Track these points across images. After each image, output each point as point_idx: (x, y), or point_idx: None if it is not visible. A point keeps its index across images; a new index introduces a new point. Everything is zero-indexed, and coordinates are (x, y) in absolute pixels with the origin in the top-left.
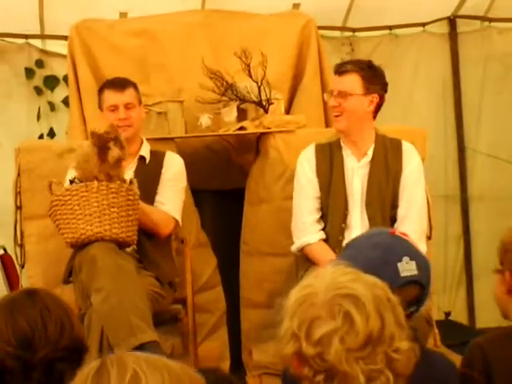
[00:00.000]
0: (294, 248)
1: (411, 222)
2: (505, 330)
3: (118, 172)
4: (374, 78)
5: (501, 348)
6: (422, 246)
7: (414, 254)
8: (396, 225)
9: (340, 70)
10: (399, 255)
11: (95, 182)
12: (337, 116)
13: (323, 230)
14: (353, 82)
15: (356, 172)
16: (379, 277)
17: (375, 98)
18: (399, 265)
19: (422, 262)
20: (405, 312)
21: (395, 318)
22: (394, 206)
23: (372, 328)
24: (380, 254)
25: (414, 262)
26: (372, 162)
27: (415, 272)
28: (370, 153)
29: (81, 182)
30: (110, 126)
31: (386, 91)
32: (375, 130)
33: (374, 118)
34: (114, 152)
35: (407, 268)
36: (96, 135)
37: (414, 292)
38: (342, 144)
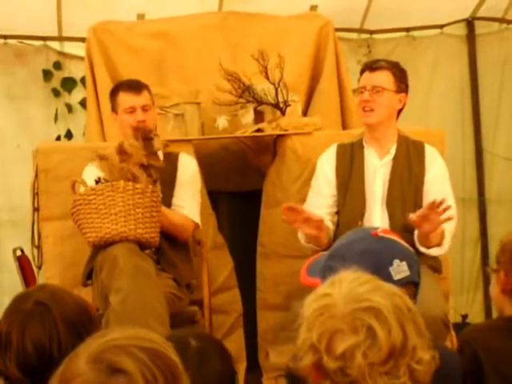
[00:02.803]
0: (302, 240)
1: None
2: (494, 321)
3: (160, 162)
4: (403, 78)
5: (488, 338)
6: (448, 242)
7: (403, 253)
8: None
9: (373, 66)
10: (389, 259)
11: (121, 182)
12: (368, 111)
13: (338, 226)
14: (386, 78)
15: (378, 170)
16: None
17: (403, 97)
18: (391, 269)
19: (412, 259)
20: None
21: (416, 328)
22: (416, 205)
23: (394, 341)
24: (370, 262)
25: (404, 263)
26: (394, 160)
27: (408, 273)
28: (393, 151)
29: (107, 181)
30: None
31: (407, 93)
32: (398, 131)
33: (397, 118)
34: (157, 142)
35: (399, 270)
36: (140, 129)
37: (410, 291)
38: (365, 143)
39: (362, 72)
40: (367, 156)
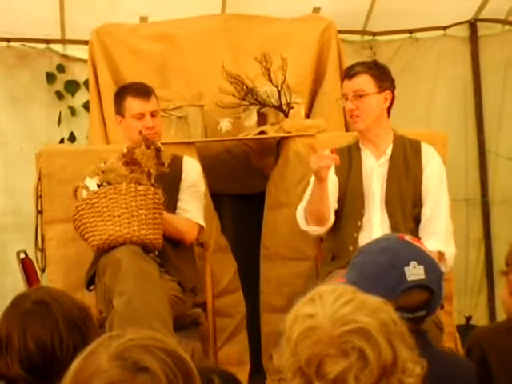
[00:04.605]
0: (302, 223)
1: (440, 220)
2: (502, 323)
3: (167, 171)
4: (383, 76)
5: (496, 339)
6: (451, 245)
7: (423, 258)
8: (422, 224)
9: (350, 73)
10: (406, 260)
11: (124, 184)
12: (355, 117)
13: (337, 227)
14: (365, 81)
15: (375, 171)
16: (385, 281)
17: (388, 94)
18: (406, 269)
19: (431, 267)
20: (411, 315)
21: (404, 342)
22: (416, 204)
23: (385, 361)
24: (387, 259)
25: (422, 267)
26: (391, 160)
27: (422, 277)
28: (389, 152)
29: (109, 184)
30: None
31: (394, 87)
32: (393, 131)
33: (388, 115)
34: (166, 153)
35: (414, 272)
36: (150, 140)
37: (423, 297)
38: (361, 145)
39: (342, 80)
40: (364, 157)
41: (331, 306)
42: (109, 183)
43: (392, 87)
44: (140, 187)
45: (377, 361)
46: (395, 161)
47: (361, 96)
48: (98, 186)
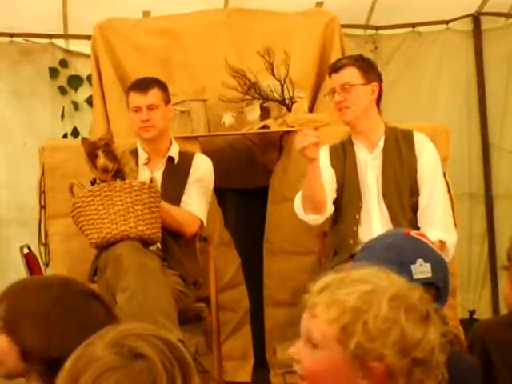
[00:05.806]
0: (299, 212)
1: (437, 209)
2: (504, 316)
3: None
4: (369, 68)
5: (497, 332)
6: (452, 232)
7: (430, 255)
8: (419, 213)
9: (336, 66)
10: (413, 257)
11: (118, 181)
12: (343, 109)
13: (337, 222)
14: (352, 73)
15: (369, 163)
16: None
17: (375, 86)
18: (413, 267)
19: (438, 264)
20: None
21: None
22: (413, 194)
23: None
24: (393, 256)
25: (428, 264)
26: (384, 151)
27: (429, 274)
28: (381, 144)
29: (103, 181)
30: (106, 132)
31: (381, 81)
32: (384, 123)
33: (378, 108)
34: (100, 160)
35: (421, 270)
36: (86, 142)
37: (429, 293)
38: (354, 139)
39: (329, 75)
40: (357, 151)
41: (387, 277)
42: (102, 181)
43: (379, 80)
44: (134, 183)
45: None
46: (388, 152)
47: (348, 88)
48: (92, 183)
